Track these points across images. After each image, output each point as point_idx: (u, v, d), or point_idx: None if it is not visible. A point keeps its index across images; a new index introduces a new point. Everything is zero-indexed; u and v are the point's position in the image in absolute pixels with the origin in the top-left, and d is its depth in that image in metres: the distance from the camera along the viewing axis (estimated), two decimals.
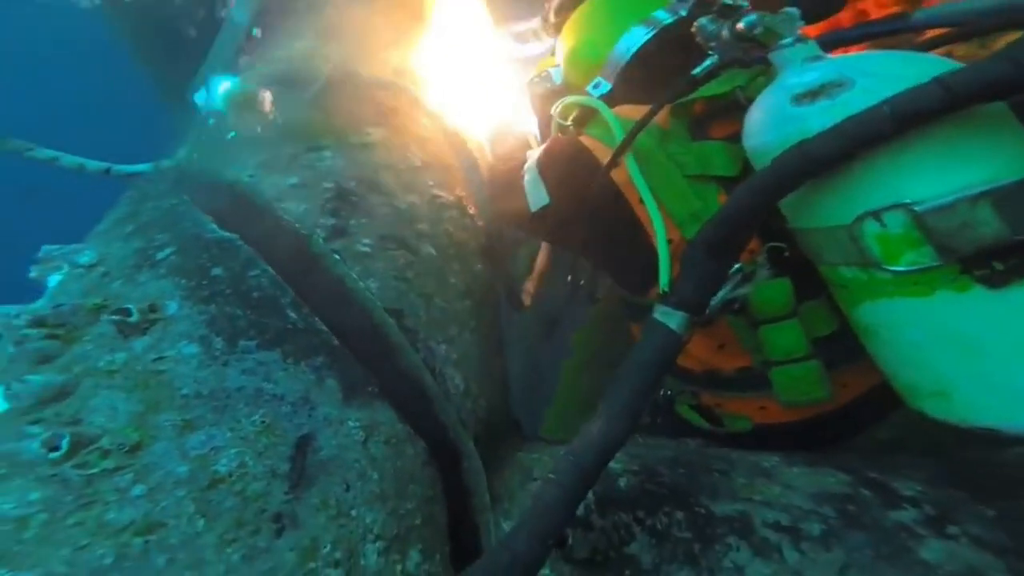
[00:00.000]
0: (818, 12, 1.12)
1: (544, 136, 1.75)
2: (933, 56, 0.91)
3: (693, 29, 1.16)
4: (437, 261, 1.36)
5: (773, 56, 1.02)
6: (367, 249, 1.22)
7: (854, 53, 1.08)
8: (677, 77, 1.19)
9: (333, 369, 1.01)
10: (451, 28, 1.97)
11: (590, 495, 1.00)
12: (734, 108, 1.17)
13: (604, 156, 1.25)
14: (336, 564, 0.81)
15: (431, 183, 1.53)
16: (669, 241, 1.10)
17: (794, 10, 1.02)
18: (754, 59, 1.11)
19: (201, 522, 0.73)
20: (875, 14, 1.71)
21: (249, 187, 1.24)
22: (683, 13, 1.33)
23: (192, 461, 0.78)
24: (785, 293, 1.08)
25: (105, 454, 0.75)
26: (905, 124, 0.74)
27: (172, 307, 0.97)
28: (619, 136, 1.18)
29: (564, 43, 1.55)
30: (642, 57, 1.35)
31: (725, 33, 1.09)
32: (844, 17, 1.62)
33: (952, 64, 0.81)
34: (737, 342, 1.20)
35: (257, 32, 1.85)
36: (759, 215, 0.90)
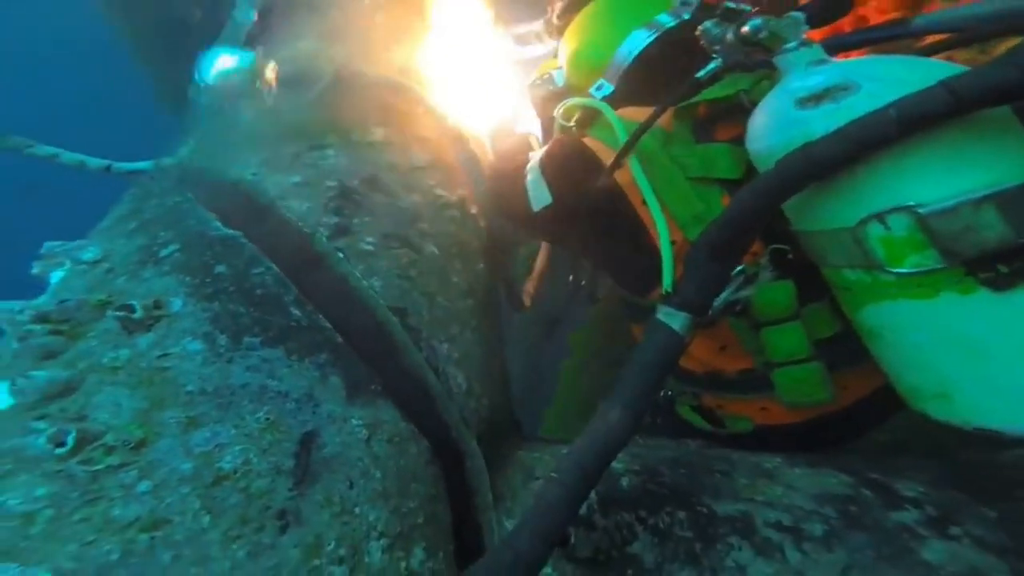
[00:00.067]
0: (824, 17, 1.12)
1: (546, 138, 1.76)
2: (937, 61, 0.91)
3: (697, 33, 1.17)
4: (440, 260, 1.36)
5: (777, 60, 1.03)
6: (370, 247, 1.22)
7: (857, 58, 1.09)
8: (679, 80, 1.20)
9: (337, 366, 1.01)
10: (454, 28, 1.97)
11: (592, 495, 1.00)
12: (738, 111, 1.18)
13: (607, 157, 1.25)
14: (340, 561, 0.81)
15: (433, 182, 1.53)
16: (672, 243, 1.10)
17: (799, 14, 1.02)
18: (757, 63, 1.12)
19: (206, 519, 0.73)
20: (875, 19, 1.72)
21: (252, 185, 1.24)
22: (686, 17, 1.34)
23: (197, 458, 0.78)
24: (788, 295, 1.08)
25: (110, 450, 0.75)
26: (911, 128, 0.75)
27: (176, 304, 0.97)
28: (622, 138, 1.19)
29: (567, 45, 1.55)
30: (644, 60, 1.36)
31: (730, 37, 1.10)
32: (844, 22, 1.63)
33: (956, 68, 0.82)
34: (739, 344, 1.20)
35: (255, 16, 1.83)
36: (763, 217, 0.90)
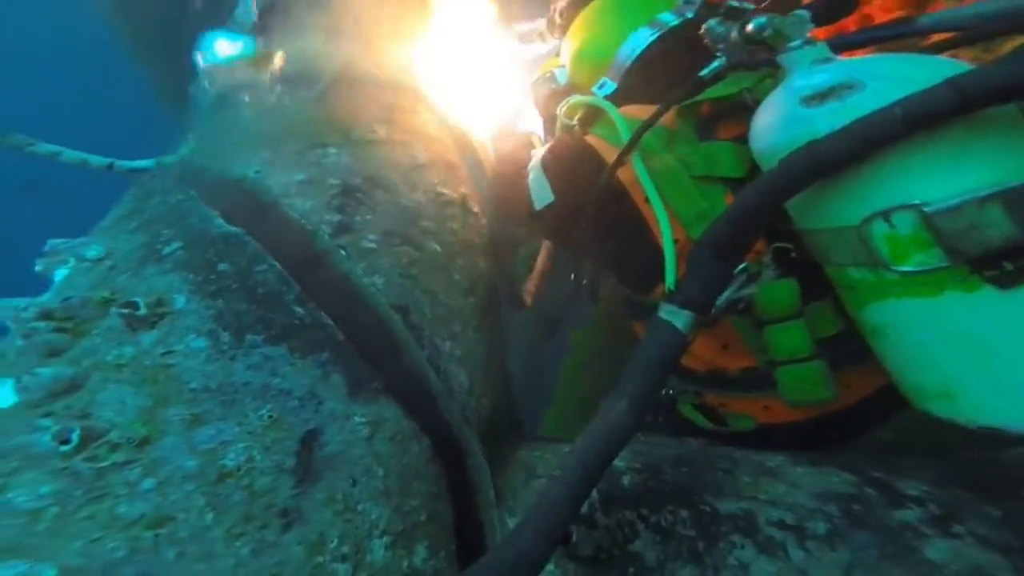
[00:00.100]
0: (828, 15, 1.12)
1: (548, 137, 1.75)
2: (942, 58, 0.91)
3: (701, 31, 1.16)
4: (441, 258, 1.36)
5: (782, 58, 1.02)
6: (373, 245, 1.22)
7: (860, 56, 1.09)
8: (682, 79, 1.20)
9: (339, 364, 1.01)
10: (456, 26, 1.97)
11: (594, 493, 1.00)
12: (741, 110, 1.18)
13: (609, 155, 1.25)
14: (343, 558, 0.81)
15: (435, 180, 1.53)
16: (675, 241, 1.10)
17: (804, 12, 1.02)
18: (761, 62, 1.12)
19: (210, 516, 0.73)
20: (880, 18, 1.72)
21: (255, 183, 1.24)
22: (689, 15, 1.34)
23: (201, 455, 0.79)
24: (791, 294, 1.08)
25: (114, 448, 0.75)
26: (917, 126, 0.75)
27: (180, 301, 0.97)
28: (625, 136, 1.19)
29: (570, 44, 1.55)
30: (647, 59, 1.36)
31: (734, 35, 1.10)
32: (849, 21, 1.62)
33: (961, 66, 0.82)
34: (741, 342, 1.20)
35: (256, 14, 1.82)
36: (766, 216, 0.90)
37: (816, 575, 0.86)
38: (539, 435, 1.78)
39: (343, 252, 1.15)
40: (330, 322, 1.06)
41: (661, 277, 1.06)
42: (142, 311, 0.92)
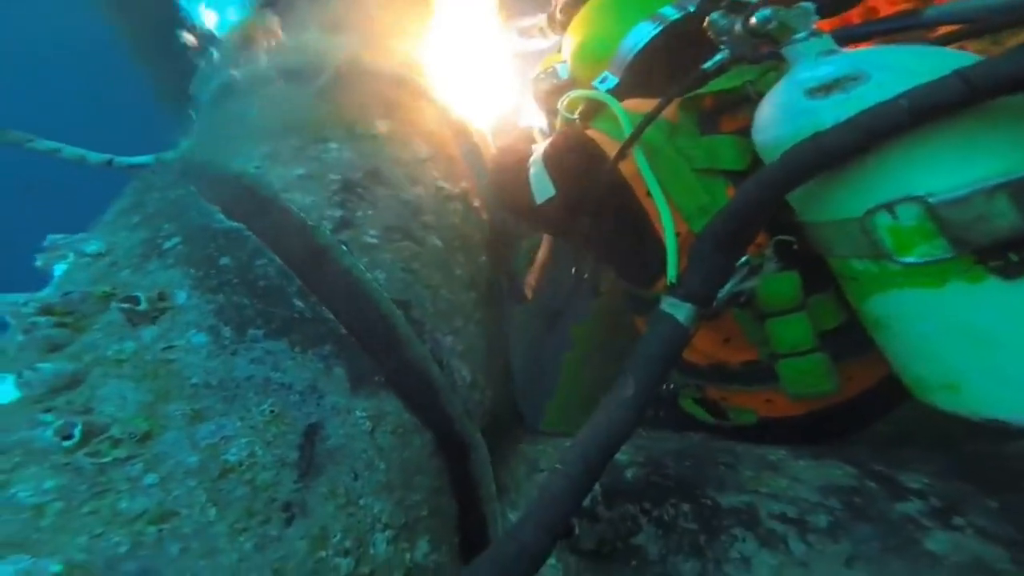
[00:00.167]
0: (833, 8, 1.11)
1: (549, 131, 1.75)
2: (948, 50, 0.90)
3: (705, 24, 1.16)
4: (443, 253, 1.36)
5: (786, 50, 1.01)
6: (374, 240, 1.22)
7: (866, 48, 1.08)
8: (684, 73, 1.19)
9: (340, 358, 1.01)
10: (457, 21, 1.96)
11: (597, 486, 1.00)
12: (744, 103, 1.17)
13: (611, 149, 1.25)
14: (346, 553, 0.81)
15: (436, 175, 1.52)
16: (676, 234, 1.10)
17: (809, 4, 1.01)
18: (764, 55, 1.11)
19: (213, 511, 0.73)
20: (885, 11, 1.70)
21: (256, 178, 1.24)
22: (690, 9, 1.32)
23: (202, 451, 0.79)
24: (793, 286, 1.08)
25: (116, 443, 0.75)
26: (923, 118, 0.74)
27: (181, 296, 0.97)
28: (627, 129, 1.18)
29: (571, 38, 1.54)
30: (649, 53, 1.35)
31: (738, 28, 1.09)
32: (853, 14, 1.61)
33: (967, 58, 0.81)
34: (743, 335, 1.20)
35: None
36: (769, 208, 0.90)
37: (818, 568, 0.86)
38: (541, 429, 1.78)
39: (344, 247, 1.15)
40: (331, 316, 1.06)
41: (663, 271, 1.06)
42: (143, 306, 0.92)
